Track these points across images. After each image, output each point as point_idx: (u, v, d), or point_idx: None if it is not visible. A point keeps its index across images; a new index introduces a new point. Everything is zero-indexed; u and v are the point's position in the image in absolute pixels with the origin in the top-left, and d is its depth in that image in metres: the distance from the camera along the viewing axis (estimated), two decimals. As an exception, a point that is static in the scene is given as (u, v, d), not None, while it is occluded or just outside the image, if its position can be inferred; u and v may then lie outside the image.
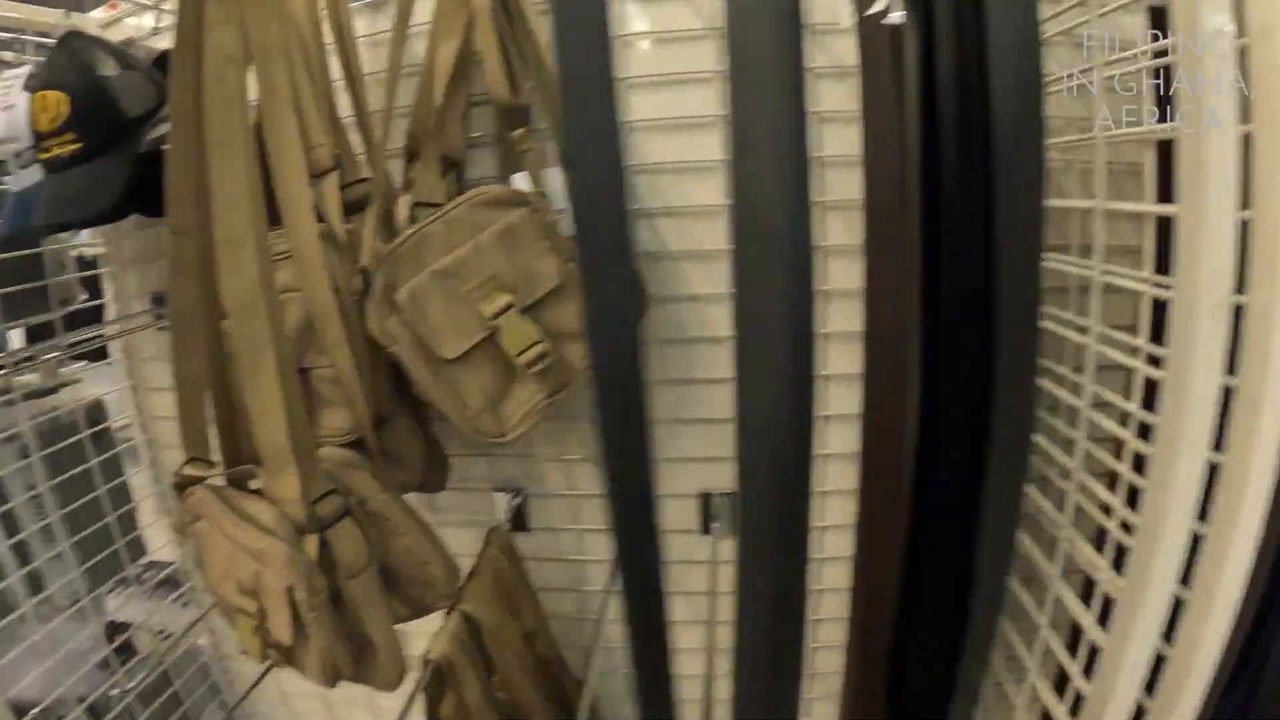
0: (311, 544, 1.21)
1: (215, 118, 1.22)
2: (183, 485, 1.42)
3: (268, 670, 1.58)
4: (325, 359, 1.38)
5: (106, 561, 2.27)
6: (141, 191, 1.63)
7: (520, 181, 1.47)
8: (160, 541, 2.48)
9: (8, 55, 1.97)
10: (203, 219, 1.33)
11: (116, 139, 1.60)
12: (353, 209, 1.45)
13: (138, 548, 2.41)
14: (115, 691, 2.23)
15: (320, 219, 1.37)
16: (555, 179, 1.49)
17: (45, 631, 2.09)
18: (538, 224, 1.40)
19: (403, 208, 1.44)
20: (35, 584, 2.14)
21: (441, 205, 1.41)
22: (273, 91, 1.27)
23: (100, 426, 2.28)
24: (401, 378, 1.48)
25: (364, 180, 1.49)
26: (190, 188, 1.34)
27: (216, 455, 1.46)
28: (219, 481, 1.41)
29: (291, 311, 1.37)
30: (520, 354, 1.38)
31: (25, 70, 1.78)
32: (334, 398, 1.41)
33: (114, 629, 2.37)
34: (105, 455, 2.27)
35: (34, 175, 1.73)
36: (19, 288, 2.06)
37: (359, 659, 1.30)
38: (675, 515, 1.83)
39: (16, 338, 2.65)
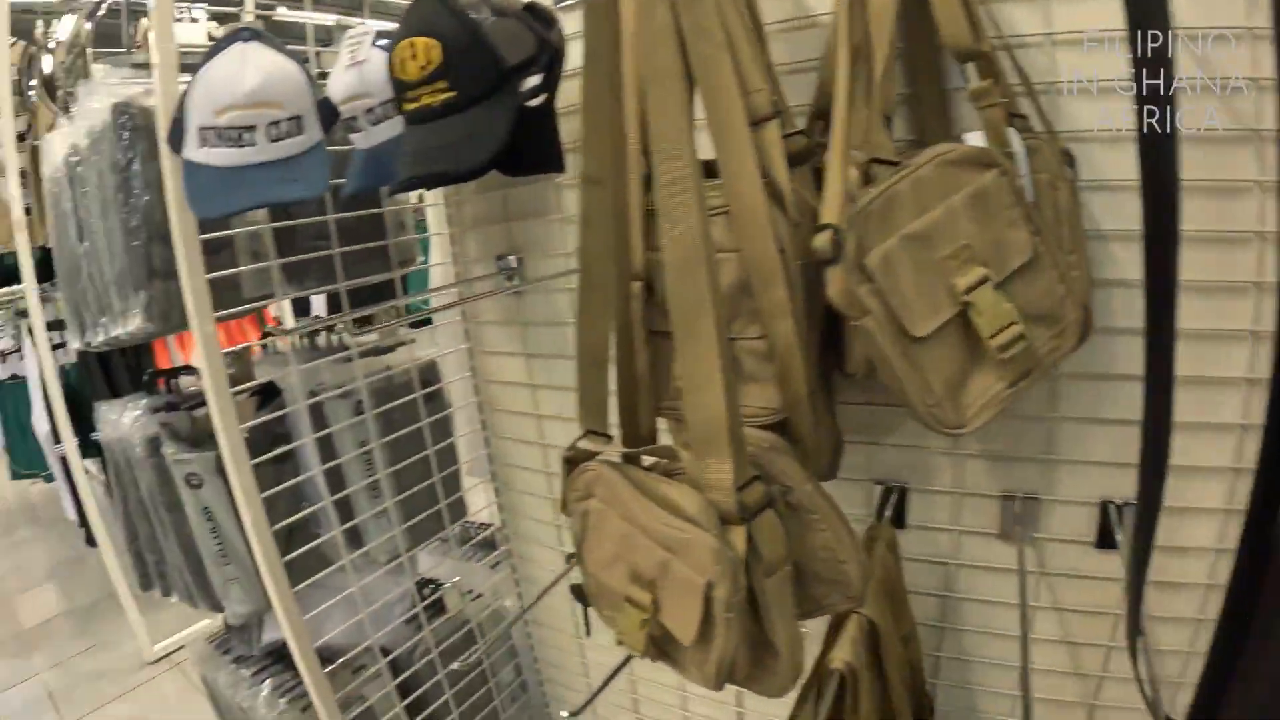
0: (739, 537, 1.05)
1: (648, 55, 1.07)
2: (576, 460, 1.28)
3: (625, 662, 1.43)
4: (755, 328, 1.18)
5: (427, 520, 2.17)
6: (507, 148, 1.47)
7: (976, 140, 1.23)
8: (480, 504, 2.38)
9: (352, 19, 1.86)
10: (617, 169, 1.19)
11: (493, 88, 1.42)
12: (790, 163, 1.19)
13: (458, 508, 2.30)
14: (457, 665, 2.15)
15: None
16: (1016, 140, 1.23)
17: (362, 585, 2.01)
18: (1008, 189, 1.13)
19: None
20: (354, 537, 2.06)
21: (898, 163, 1.15)
22: (702, 29, 1.08)
23: (433, 388, 2.17)
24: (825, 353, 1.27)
25: (800, 132, 1.27)
26: (604, 133, 1.18)
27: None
28: (614, 458, 1.25)
29: (723, 273, 1.17)
30: (993, 336, 1.12)
31: (374, 26, 1.65)
32: (759, 372, 1.20)
33: (424, 586, 2.29)
34: (436, 416, 2.16)
35: (388, 131, 1.60)
36: (362, 246, 1.96)
37: (754, 662, 1.14)
38: (1067, 523, 1.55)
39: (319, 303, 2.58)
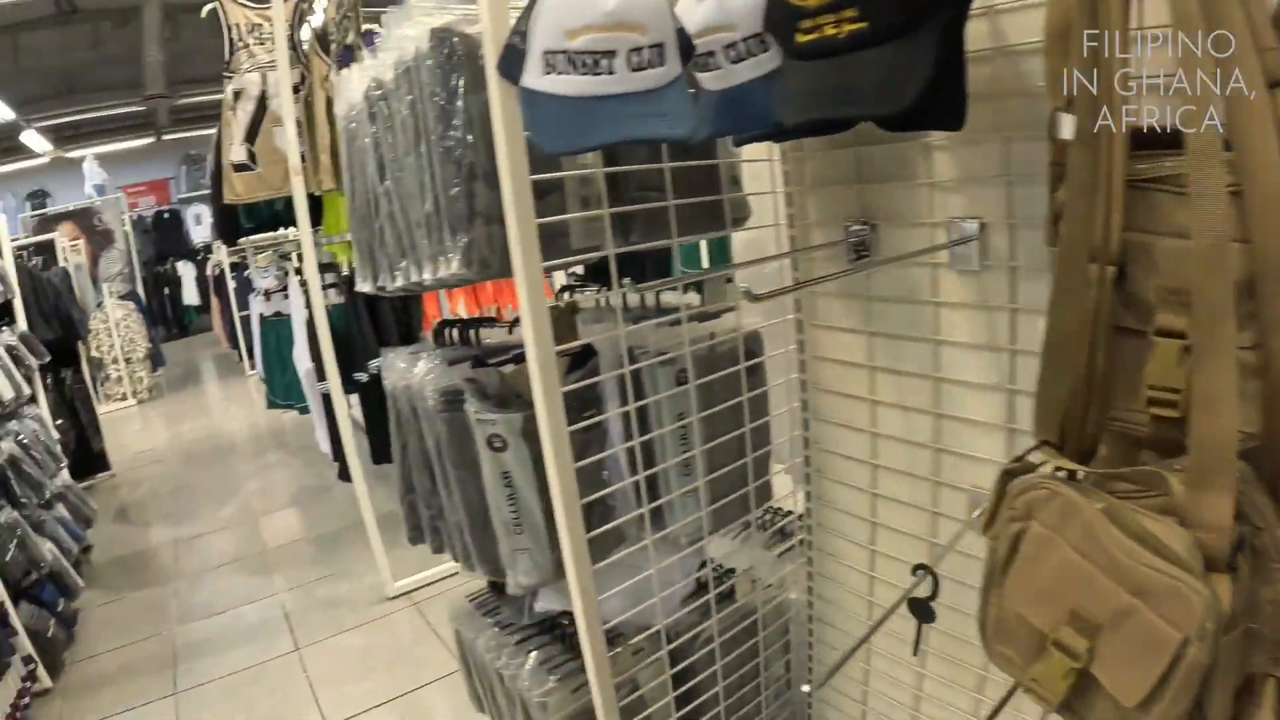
0: (1224, 587, 0.87)
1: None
2: (1017, 473, 1.08)
3: (1012, 692, 1.20)
4: (1248, 336, 0.93)
5: (734, 503, 1.90)
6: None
7: None
8: (784, 489, 2.11)
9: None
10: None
11: (912, 20, 1.11)
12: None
13: (763, 492, 2.02)
14: (807, 689, 1.89)
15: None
16: None
17: (661, 567, 1.76)
18: None
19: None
20: (653, 515, 1.79)
21: None
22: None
23: (755, 360, 1.88)
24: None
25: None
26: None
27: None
28: (1053, 474, 1.06)
29: None
30: None
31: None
32: (1241, 389, 0.94)
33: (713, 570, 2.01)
34: (755, 391, 1.87)
35: (750, 70, 1.35)
36: (693, 200, 1.68)
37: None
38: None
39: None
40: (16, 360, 5.09)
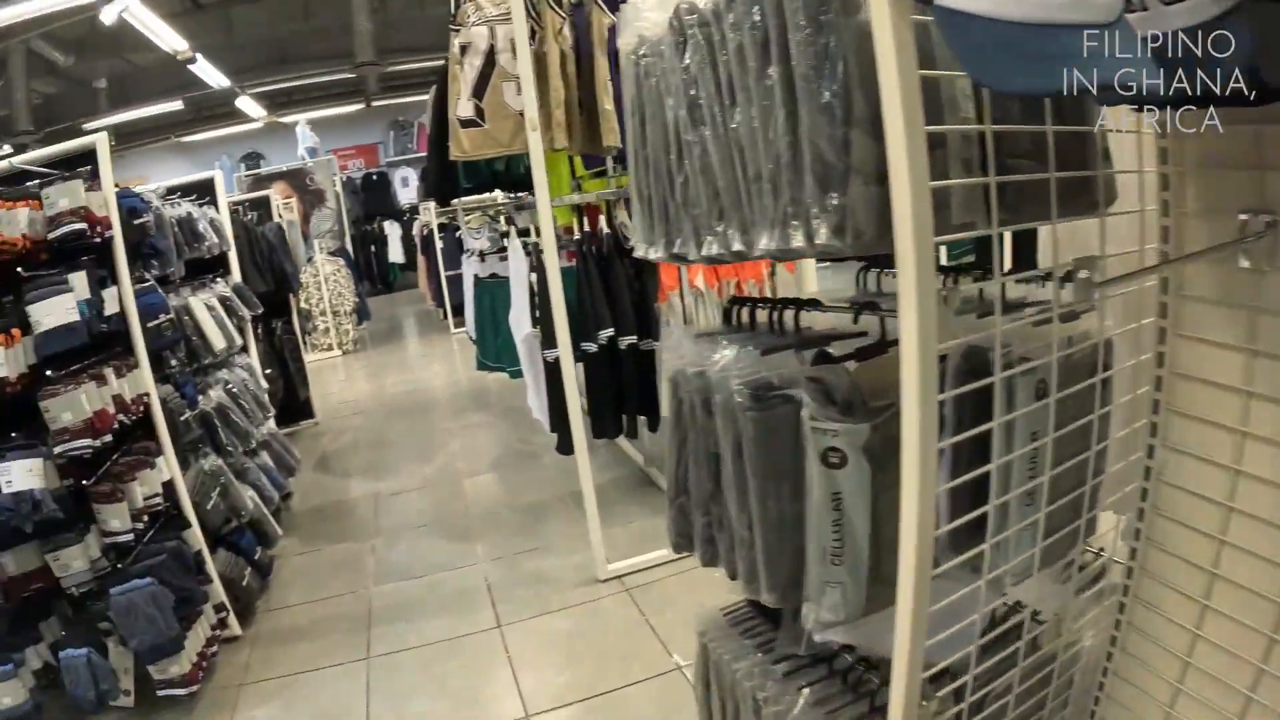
0: None
1: None
2: None
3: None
4: None
5: (1064, 538, 1.55)
6: None
7: None
8: (1105, 526, 1.75)
9: None
10: None
11: None
12: None
13: (1089, 526, 1.63)
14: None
15: None
16: None
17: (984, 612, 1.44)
18: None
19: None
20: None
21: None
22: None
23: (1109, 372, 1.52)
24: None
25: None
26: None
27: None
28: None
29: None
30: None
31: None
32: None
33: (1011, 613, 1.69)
34: (1105, 409, 1.52)
35: (1186, 15, 0.95)
36: (1068, 174, 1.32)
37: None
38: None
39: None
40: (230, 311, 5.10)
